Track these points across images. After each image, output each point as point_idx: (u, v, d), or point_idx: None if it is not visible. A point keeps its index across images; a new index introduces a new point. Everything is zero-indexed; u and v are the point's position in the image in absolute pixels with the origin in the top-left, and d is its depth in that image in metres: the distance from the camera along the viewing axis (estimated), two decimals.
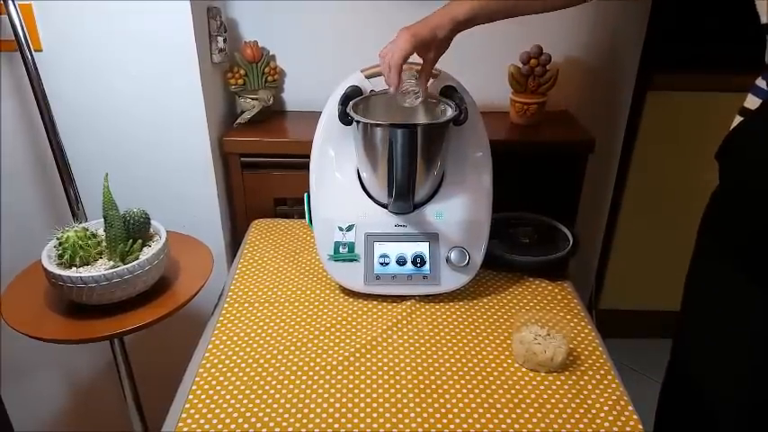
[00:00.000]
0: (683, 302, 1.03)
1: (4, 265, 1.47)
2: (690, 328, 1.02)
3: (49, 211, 1.48)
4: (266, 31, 1.56)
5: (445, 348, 1.06)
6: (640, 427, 0.90)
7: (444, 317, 1.14)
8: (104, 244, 1.15)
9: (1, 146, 1.40)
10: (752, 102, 0.87)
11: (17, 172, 1.43)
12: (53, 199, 1.46)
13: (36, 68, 1.23)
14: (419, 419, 0.91)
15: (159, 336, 1.44)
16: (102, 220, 1.15)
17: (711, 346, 0.96)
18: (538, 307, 1.18)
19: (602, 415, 0.92)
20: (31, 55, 1.22)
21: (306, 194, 1.24)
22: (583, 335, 1.10)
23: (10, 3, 1.17)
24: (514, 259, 1.26)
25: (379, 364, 1.02)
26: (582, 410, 0.93)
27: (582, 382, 0.98)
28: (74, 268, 1.09)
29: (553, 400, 0.95)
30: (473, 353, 1.05)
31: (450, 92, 1.17)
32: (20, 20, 1.19)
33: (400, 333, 1.09)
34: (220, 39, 1.43)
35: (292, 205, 1.55)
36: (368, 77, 1.21)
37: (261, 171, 1.51)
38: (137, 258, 1.11)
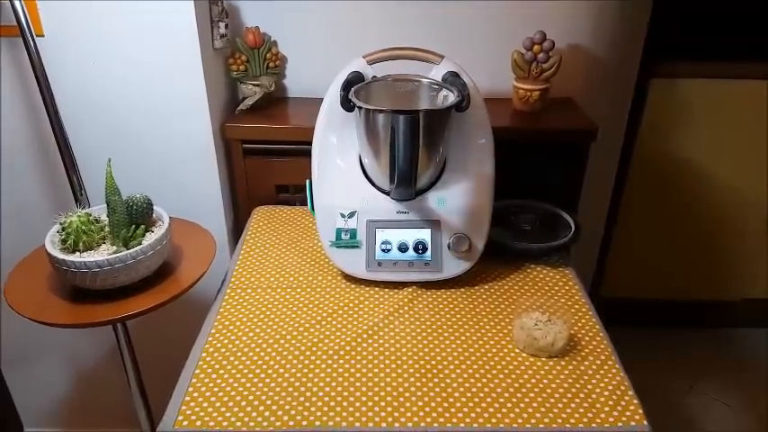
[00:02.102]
0: None
1: (9, 251, 1.47)
2: None
3: (53, 198, 1.48)
4: (268, 17, 1.55)
5: (446, 334, 1.06)
6: (641, 411, 0.90)
7: (446, 303, 1.14)
8: (107, 229, 1.16)
9: (2, 132, 1.40)
10: None
11: (20, 158, 1.43)
12: (56, 185, 1.46)
13: (38, 54, 1.22)
14: (420, 403, 0.91)
15: (162, 321, 1.45)
16: (105, 205, 1.15)
17: None
18: (539, 293, 1.18)
19: (603, 400, 0.92)
20: (33, 41, 1.21)
21: (308, 181, 1.24)
22: (584, 321, 1.10)
23: None
24: (516, 246, 1.26)
25: (381, 349, 1.02)
26: (582, 395, 0.93)
27: (582, 368, 0.99)
28: (77, 253, 1.10)
29: (554, 385, 0.95)
30: (474, 338, 1.05)
31: (453, 78, 1.17)
32: (22, 5, 1.18)
33: (402, 319, 1.10)
34: (222, 24, 1.43)
35: (294, 192, 1.55)
36: (370, 63, 1.21)
37: (263, 158, 1.51)
38: (139, 243, 1.11)
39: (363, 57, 1.21)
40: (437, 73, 1.21)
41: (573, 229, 1.30)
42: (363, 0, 1.54)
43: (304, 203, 1.46)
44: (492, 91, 1.59)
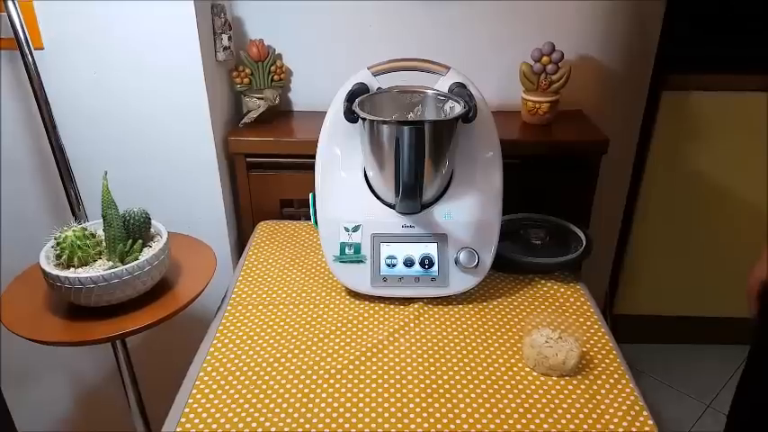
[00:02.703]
0: (762, 316, 0.96)
1: (5, 267, 1.45)
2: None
3: (52, 213, 1.46)
4: (272, 30, 1.53)
5: (453, 352, 1.02)
6: None
7: (453, 320, 1.11)
8: (104, 244, 1.13)
9: (2, 146, 1.38)
10: None
11: (21, 172, 1.42)
12: (56, 200, 1.44)
13: (36, 68, 1.21)
14: (426, 425, 0.88)
15: (163, 337, 1.42)
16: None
17: None
18: (549, 309, 1.14)
19: (616, 421, 0.88)
20: (31, 55, 1.20)
21: (311, 194, 1.21)
22: (596, 338, 1.06)
23: (9, 1, 1.15)
24: (526, 261, 1.22)
25: (386, 368, 0.99)
26: (595, 416, 0.89)
27: (595, 387, 0.95)
28: (72, 269, 1.07)
29: (565, 405, 0.91)
30: (482, 356, 1.01)
31: (459, 89, 1.14)
32: (19, 18, 1.17)
33: (407, 336, 1.06)
34: (225, 36, 1.41)
35: (299, 207, 1.52)
36: (375, 74, 1.19)
37: (267, 172, 1.49)
38: (136, 259, 1.08)
39: (368, 68, 1.19)
40: (443, 84, 1.18)
41: (584, 244, 1.26)
42: (369, 13, 1.52)
43: (309, 218, 1.43)
44: (500, 103, 1.56)
